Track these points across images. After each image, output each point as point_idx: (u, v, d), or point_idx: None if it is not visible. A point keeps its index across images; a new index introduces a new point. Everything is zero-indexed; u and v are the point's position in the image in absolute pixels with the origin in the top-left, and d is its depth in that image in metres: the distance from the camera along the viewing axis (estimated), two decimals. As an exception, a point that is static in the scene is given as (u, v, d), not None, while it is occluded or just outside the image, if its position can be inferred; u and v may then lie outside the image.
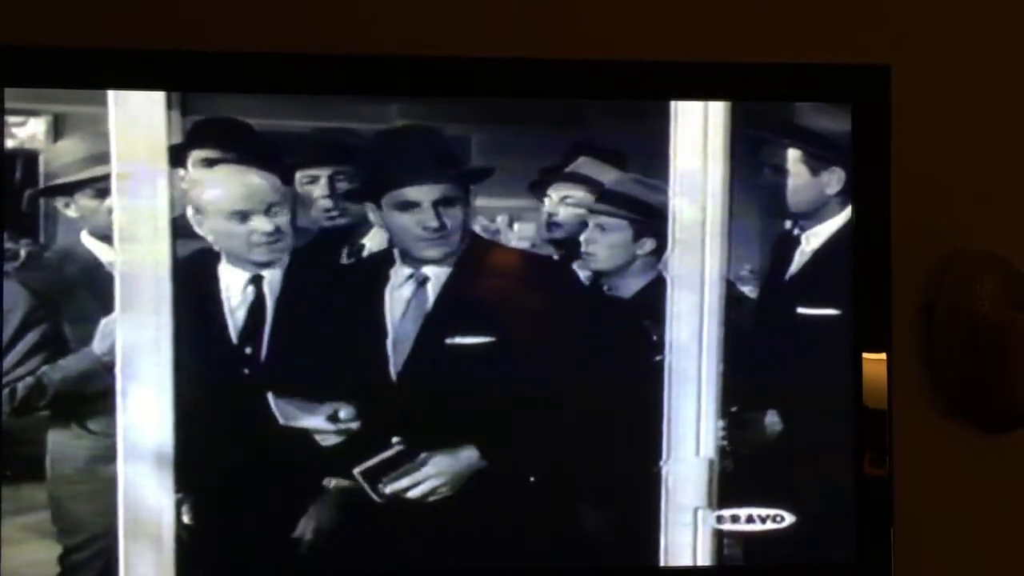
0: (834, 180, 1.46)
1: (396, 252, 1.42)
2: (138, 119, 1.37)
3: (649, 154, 1.43)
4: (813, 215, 1.46)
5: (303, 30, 1.52)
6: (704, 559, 1.45)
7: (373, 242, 1.41)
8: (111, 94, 1.37)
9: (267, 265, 1.40)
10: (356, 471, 1.41)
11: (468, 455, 1.42)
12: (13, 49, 1.38)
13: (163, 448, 1.38)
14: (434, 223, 1.40)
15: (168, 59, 1.39)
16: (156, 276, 1.38)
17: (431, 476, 1.42)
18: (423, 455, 1.42)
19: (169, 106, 1.37)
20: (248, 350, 1.40)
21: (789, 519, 1.45)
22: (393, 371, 1.41)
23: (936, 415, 1.62)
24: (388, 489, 1.41)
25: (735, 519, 1.45)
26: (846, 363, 1.45)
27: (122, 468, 1.38)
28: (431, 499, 1.42)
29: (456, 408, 1.42)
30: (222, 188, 1.39)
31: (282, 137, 1.40)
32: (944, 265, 1.62)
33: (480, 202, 1.42)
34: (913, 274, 1.59)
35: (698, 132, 1.43)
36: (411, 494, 1.41)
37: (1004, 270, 1.61)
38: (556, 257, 1.43)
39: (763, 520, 1.45)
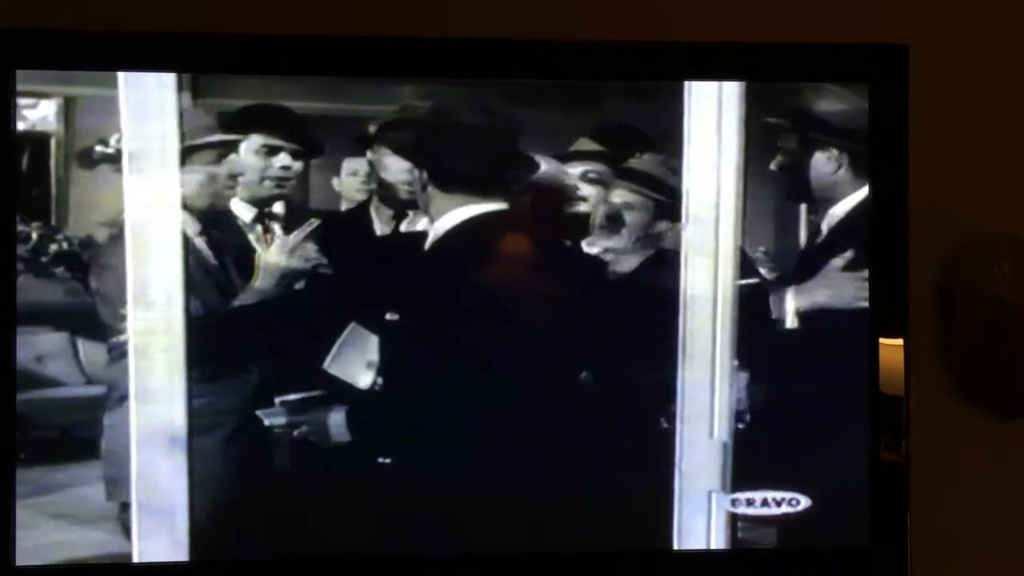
0: (844, 164, 1.45)
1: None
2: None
3: (664, 135, 1.42)
4: (827, 198, 1.45)
5: (316, 12, 1.53)
6: (718, 542, 1.45)
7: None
8: (121, 76, 1.36)
9: None
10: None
11: (482, 437, 1.42)
12: (25, 32, 1.38)
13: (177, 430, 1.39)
14: None
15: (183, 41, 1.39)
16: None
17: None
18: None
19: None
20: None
21: (805, 503, 1.45)
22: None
23: (951, 400, 1.62)
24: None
25: (750, 502, 1.45)
26: (862, 348, 1.44)
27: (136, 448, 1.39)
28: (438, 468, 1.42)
29: (462, 390, 1.42)
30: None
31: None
32: (960, 248, 1.61)
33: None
34: (929, 257, 1.59)
35: (712, 113, 1.42)
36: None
37: (1021, 253, 1.60)
38: (568, 237, 1.43)
39: (778, 504, 1.45)
